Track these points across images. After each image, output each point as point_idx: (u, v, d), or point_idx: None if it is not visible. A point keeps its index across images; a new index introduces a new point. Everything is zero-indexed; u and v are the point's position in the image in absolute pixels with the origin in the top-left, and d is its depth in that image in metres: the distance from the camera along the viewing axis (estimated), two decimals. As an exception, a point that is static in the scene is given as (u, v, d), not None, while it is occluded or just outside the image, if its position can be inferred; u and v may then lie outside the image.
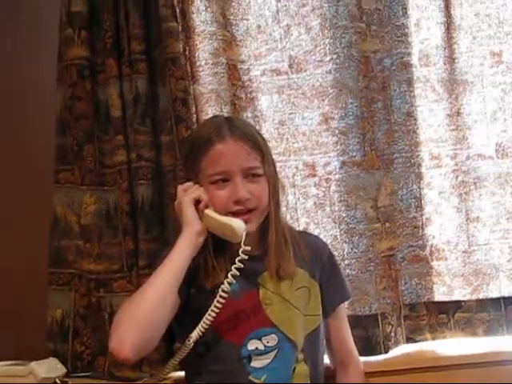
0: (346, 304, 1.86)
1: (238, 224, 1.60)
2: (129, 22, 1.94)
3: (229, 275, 1.58)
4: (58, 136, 1.98)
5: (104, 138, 1.97)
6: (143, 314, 1.53)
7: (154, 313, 1.54)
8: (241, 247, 1.58)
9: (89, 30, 1.96)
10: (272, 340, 1.66)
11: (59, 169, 1.98)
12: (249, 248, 1.58)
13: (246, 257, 1.58)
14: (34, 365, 1.83)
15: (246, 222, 1.62)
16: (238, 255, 1.58)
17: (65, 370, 1.89)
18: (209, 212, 1.63)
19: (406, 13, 2.06)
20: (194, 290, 1.67)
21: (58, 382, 1.84)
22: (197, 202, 1.64)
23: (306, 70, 2.05)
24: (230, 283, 1.58)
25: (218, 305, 1.57)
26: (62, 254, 1.97)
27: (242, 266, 1.58)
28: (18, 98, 2.08)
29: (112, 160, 1.95)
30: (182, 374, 1.78)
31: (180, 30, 1.98)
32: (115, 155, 1.93)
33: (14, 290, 2.03)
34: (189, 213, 1.63)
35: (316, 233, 1.99)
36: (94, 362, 1.93)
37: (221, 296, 1.57)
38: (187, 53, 2.00)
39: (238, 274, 1.58)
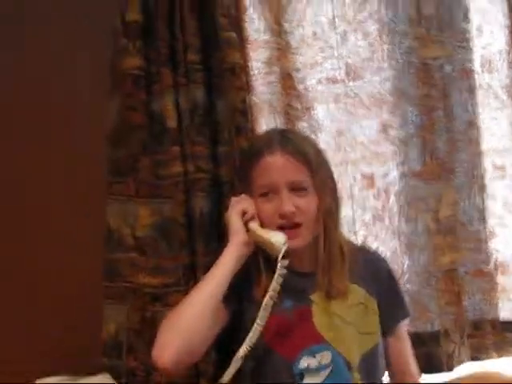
0: (406, 322, 1.81)
1: (277, 238, 1.58)
2: (185, 30, 1.90)
3: (270, 289, 1.56)
4: (112, 147, 1.95)
5: (159, 149, 1.93)
6: (184, 322, 1.54)
7: (195, 322, 1.55)
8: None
9: (144, 40, 1.92)
10: (326, 357, 1.62)
11: (113, 181, 1.95)
12: (286, 262, 1.55)
13: (285, 271, 1.55)
14: (85, 382, 1.82)
15: (292, 237, 1.60)
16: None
17: (117, 387, 1.88)
18: (252, 225, 1.63)
19: (467, 17, 2.01)
20: (246, 303, 1.66)
21: (111, 398, 1.83)
22: (244, 214, 1.64)
23: (363, 78, 2.02)
24: (271, 297, 1.55)
25: (262, 318, 1.55)
26: (116, 267, 1.94)
27: (282, 280, 1.55)
28: (64, 110, 2.05)
29: (168, 171, 1.91)
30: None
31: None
32: (171, 166, 1.90)
33: (68, 304, 1.99)
34: (235, 224, 1.63)
35: (375, 246, 1.96)
36: (149, 377, 1.90)
37: (264, 309, 1.55)
38: (242, 62, 1.96)
39: (278, 287, 1.55)
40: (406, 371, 1.77)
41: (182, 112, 1.90)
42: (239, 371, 1.59)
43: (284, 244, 1.57)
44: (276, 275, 1.56)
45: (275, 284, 1.56)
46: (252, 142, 1.82)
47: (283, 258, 1.57)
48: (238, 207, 1.64)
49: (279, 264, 1.56)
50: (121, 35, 1.92)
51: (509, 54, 2.00)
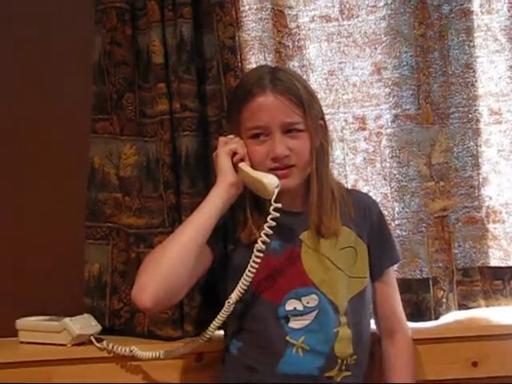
0: (394, 268, 1.79)
1: (269, 180, 1.54)
2: (172, -37, 1.83)
3: (262, 234, 1.53)
4: (96, 83, 1.90)
5: (145, 86, 1.88)
6: (166, 263, 1.50)
7: (176, 262, 1.51)
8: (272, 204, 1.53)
9: (129, -30, 1.86)
10: (312, 300, 1.60)
11: (97, 118, 1.91)
12: (279, 205, 1.52)
13: (278, 214, 1.52)
14: (68, 321, 1.79)
15: (284, 177, 1.57)
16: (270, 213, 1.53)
17: (100, 327, 1.85)
18: (242, 166, 1.58)
19: (465, -45, 1.92)
20: (232, 247, 1.64)
21: (93, 339, 1.80)
22: (234, 155, 1.59)
23: (357, 16, 1.94)
24: (264, 242, 1.53)
25: (254, 265, 1.53)
26: (99, 207, 1.91)
27: (274, 224, 1.52)
28: (50, 45, 2.00)
29: (153, 109, 1.86)
30: (221, 332, 1.72)
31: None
32: (157, 104, 1.84)
33: (50, 244, 1.98)
34: (223, 164, 1.58)
35: (365, 190, 1.91)
36: (133, 319, 1.88)
37: (256, 256, 1.53)
38: (232, -3, 1.89)
39: (270, 232, 1.52)
40: (393, 317, 1.74)
41: (169, 48, 1.84)
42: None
43: (277, 186, 1.54)
44: (268, 219, 1.53)
45: (267, 228, 1.53)
46: (241, 81, 1.75)
47: (275, 200, 1.53)
48: (227, 147, 1.60)
49: (272, 207, 1.52)
50: (106, -33, 1.85)
51: (509, -6, 1.93)
